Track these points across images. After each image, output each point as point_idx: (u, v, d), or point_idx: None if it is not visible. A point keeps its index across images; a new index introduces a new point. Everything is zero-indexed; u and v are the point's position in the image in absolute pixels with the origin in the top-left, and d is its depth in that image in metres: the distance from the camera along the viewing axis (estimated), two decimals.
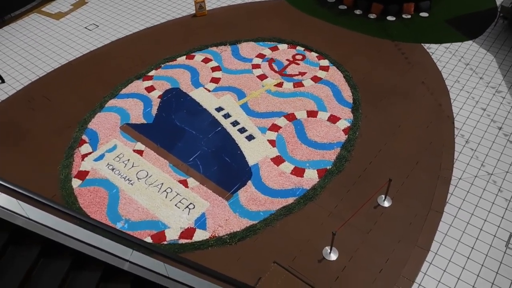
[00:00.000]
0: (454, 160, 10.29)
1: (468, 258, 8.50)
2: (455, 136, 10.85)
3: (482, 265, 8.37)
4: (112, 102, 12.37)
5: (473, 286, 8.08)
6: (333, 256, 8.68)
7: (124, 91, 12.75)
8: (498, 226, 8.99)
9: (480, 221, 9.08)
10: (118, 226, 9.38)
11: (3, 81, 13.26)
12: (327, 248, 8.73)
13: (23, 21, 16.08)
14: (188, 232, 9.21)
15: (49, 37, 15.23)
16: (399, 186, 9.78)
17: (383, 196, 9.55)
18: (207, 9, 16.00)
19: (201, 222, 9.38)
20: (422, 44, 13.93)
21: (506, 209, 9.28)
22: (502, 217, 9.14)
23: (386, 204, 9.53)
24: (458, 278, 8.20)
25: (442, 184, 9.80)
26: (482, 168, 10.06)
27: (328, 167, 10.30)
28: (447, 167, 10.17)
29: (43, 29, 15.65)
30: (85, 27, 15.66)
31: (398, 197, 9.61)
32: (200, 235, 9.15)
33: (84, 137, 11.37)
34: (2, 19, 16.05)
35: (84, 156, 10.89)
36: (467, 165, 10.16)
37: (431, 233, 8.95)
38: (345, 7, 15.91)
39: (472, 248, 8.66)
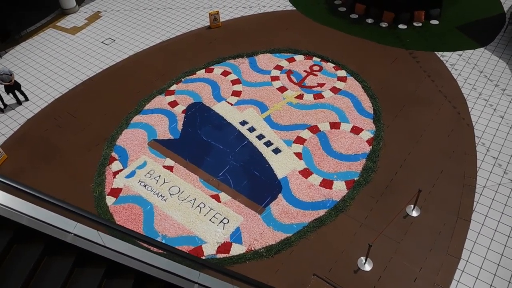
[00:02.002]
0: (477, 168, 10.64)
1: (498, 265, 8.85)
2: (476, 144, 11.19)
3: None
4: (137, 118, 12.61)
5: None
6: (368, 267, 8.99)
7: (148, 106, 12.99)
8: None
9: (508, 228, 9.43)
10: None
11: (27, 99, 13.45)
12: (362, 259, 9.04)
13: (40, 37, 16.26)
14: (225, 247, 9.48)
15: (67, 53, 15.42)
16: (426, 195, 10.10)
17: (412, 205, 9.88)
18: (220, 20, 16.25)
19: (236, 236, 9.65)
20: (436, 52, 14.28)
21: None
22: None
23: (415, 213, 9.86)
24: (491, 285, 8.54)
25: (468, 192, 10.14)
26: (505, 176, 10.41)
27: (355, 178, 10.61)
28: (471, 175, 10.51)
29: (60, 44, 15.84)
30: (102, 42, 15.87)
31: (426, 206, 9.94)
32: (236, 249, 9.42)
33: (113, 154, 11.60)
34: (19, 35, 16.22)
35: (115, 173, 11.12)
36: (490, 173, 10.51)
37: (461, 241, 9.28)
38: (357, 16, 16.23)
39: (502, 255, 9.00)
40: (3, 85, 12.81)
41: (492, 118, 11.86)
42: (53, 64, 14.91)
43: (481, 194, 10.09)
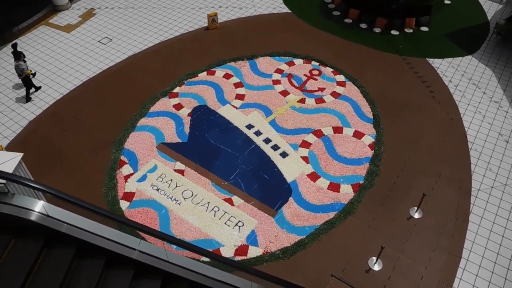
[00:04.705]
0: (472, 172, 11.45)
1: (495, 263, 9.67)
2: (469, 149, 12.01)
3: (508, 269, 9.56)
4: (143, 121, 12.70)
5: None
6: (378, 267, 9.62)
7: (152, 109, 13.09)
8: None
9: (502, 228, 10.28)
10: (174, 246, 9.88)
11: (28, 100, 13.30)
12: (373, 259, 9.65)
13: (33, 34, 15.91)
14: (242, 249, 9.87)
15: (64, 52, 15.20)
16: (427, 198, 10.79)
17: (415, 208, 10.57)
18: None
19: (252, 239, 10.05)
20: (427, 58, 15.03)
21: None
22: None
23: (417, 215, 10.56)
24: (489, 282, 9.35)
25: (464, 195, 10.93)
26: (497, 179, 11.26)
27: (361, 182, 11.20)
28: (466, 179, 11.31)
29: (55, 43, 15.58)
30: (99, 41, 15.72)
31: (427, 208, 10.65)
32: (253, 252, 9.83)
33: (122, 157, 11.69)
34: (10, 32, 15.81)
35: (126, 177, 11.24)
36: (484, 177, 11.34)
37: (461, 241, 10.05)
38: (351, 20, 16.77)
39: (498, 253, 9.83)
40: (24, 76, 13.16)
41: (482, 125, 12.71)
42: (50, 64, 14.68)
43: (476, 197, 10.90)
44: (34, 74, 13.55)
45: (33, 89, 13.56)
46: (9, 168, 4.96)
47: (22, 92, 13.53)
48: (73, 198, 4.67)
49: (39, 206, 4.84)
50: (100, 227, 5.32)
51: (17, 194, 4.81)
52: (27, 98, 13.32)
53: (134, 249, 5.24)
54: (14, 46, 13.38)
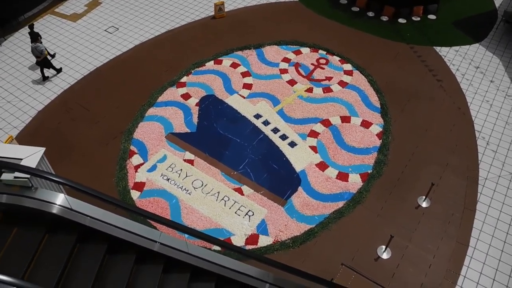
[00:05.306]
0: (479, 161, 11.53)
1: (502, 251, 9.81)
2: (476, 138, 12.07)
3: None
4: (151, 111, 12.76)
5: (510, 276, 9.40)
6: (386, 255, 9.77)
7: (160, 99, 13.13)
8: None
9: (508, 217, 10.40)
10: (186, 235, 10.03)
11: (44, 78, 13.68)
12: (382, 247, 9.80)
13: (39, 24, 15.86)
14: (252, 238, 10.01)
15: (70, 41, 15.19)
16: (435, 187, 10.89)
17: (423, 197, 10.68)
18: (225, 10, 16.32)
19: (262, 228, 10.19)
20: (434, 47, 14.99)
21: None
22: None
23: (425, 204, 10.67)
24: (496, 269, 9.50)
25: (471, 184, 11.03)
26: (504, 168, 11.35)
27: (369, 171, 11.29)
28: (473, 168, 11.39)
29: (61, 32, 15.56)
30: (105, 30, 15.69)
31: (435, 197, 10.76)
32: (264, 241, 9.98)
33: (132, 147, 11.78)
34: (17, 20, 15.77)
35: (136, 167, 11.35)
36: (491, 166, 11.42)
37: (468, 230, 10.18)
38: (358, 9, 16.68)
39: (505, 242, 9.96)
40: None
41: (489, 113, 12.75)
42: (57, 53, 14.68)
43: (483, 186, 11.00)
44: (53, 55, 13.74)
45: (54, 72, 13.84)
46: (32, 162, 5.05)
47: (29, 82, 13.59)
48: (104, 195, 4.75)
49: (72, 203, 4.93)
50: (130, 223, 5.36)
51: (48, 190, 4.91)
52: (43, 77, 13.66)
53: (155, 242, 5.34)
54: (31, 26, 13.58)
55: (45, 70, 13.59)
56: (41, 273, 4.62)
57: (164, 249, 5.35)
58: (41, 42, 13.12)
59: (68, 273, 4.76)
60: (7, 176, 5.14)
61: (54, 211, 4.84)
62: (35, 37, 13.13)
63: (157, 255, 5.19)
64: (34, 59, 13.42)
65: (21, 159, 5.24)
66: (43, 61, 13.26)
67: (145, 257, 5.24)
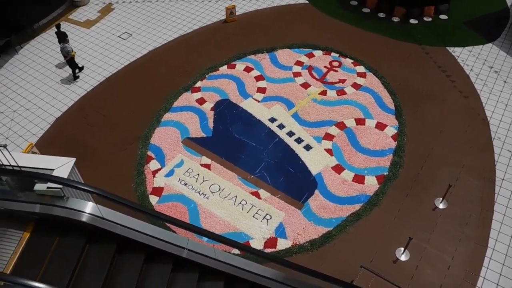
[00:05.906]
0: (495, 162, 11.52)
1: None
2: (492, 138, 12.05)
3: None
4: (167, 116, 12.90)
5: None
6: (405, 257, 9.81)
7: (176, 104, 13.27)
8: None
9: None
10: (205, 239, 10.15)
11: (75, 78, 14.13)
12: (400, 249, 9.85)
13: (54, 31, 16.04)
14: (271, 242, 10.11)
15: (85, 48, 15.40)
16: (451, 189, 10.91)
17: (440, 198, 10.70)
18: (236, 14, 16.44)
19: (280, 231, 10.28)
20: (447, 47, 14.98)
21: None
22: None
23: (442, 206, 10.69)
24: None
25: (488, 185, 11.03)
26: None
27: (385, 174, 11.34)
28: (490, 168, 11.39)
29: (76, 39, 15.76)
30: (119, 36, 15.86)
31: (451, 199, 10.78)
32: (282, 244, 10.07)
33: (149, 153, 11.93)
34: (32, 28, 16.01)
35: (154, 172, 11.49)
36: (507, 166, 11.41)
37: (486, 231, 10.19)
38: (368, 10, 16.71)
39: None
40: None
41: (505, 114, 12.73)
42: None
43: (500, 187, 10.99)
44: (82, 68, 14.47)
45: (77, 70, 14.21)
46: (63, 172, 5.19)
47: (47, 89, 13.81)
48: (140, 206, 4.91)
49: (114, 216, 5.11)
50: (168, 234, 5.50)
51: (83, 201, 5.05)
52: (75, 77, 14.12)
53: (184, 249, 5.47)
54: (58, 26, 13.94)
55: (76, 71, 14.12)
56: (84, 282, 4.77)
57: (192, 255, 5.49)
58: (68, 42, 13.39)
59: (110, 279, 4.91)
60: (40, 186, 5.30)
61: (102, 226, 5.00)
62: (62, 37, 13.51)
63: (188, 262, 5.33)
64: (50, 66, 13.67)
65: (53, 169, 5.40)
66: (70, 61, 13.64)
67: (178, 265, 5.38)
